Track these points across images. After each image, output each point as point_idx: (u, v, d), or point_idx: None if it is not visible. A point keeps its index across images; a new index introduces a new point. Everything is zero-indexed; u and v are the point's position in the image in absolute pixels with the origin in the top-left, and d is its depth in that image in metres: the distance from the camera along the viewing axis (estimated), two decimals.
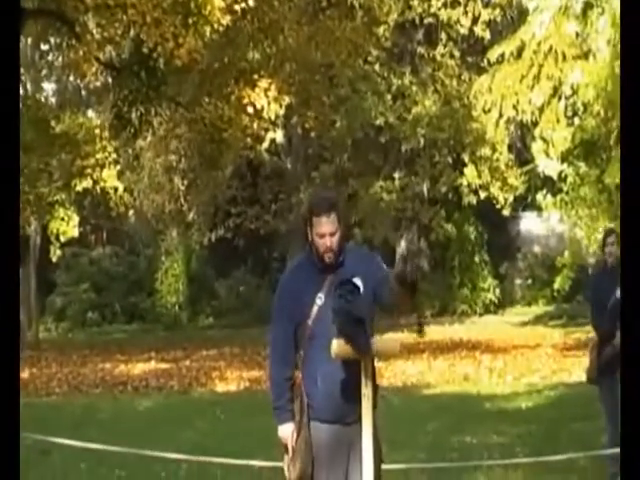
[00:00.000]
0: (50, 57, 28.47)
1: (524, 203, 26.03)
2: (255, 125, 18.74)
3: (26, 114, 18.97)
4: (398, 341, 5.27)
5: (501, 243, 32.76)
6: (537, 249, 33.51)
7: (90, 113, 30.26)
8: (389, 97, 26.83)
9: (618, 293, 7.13)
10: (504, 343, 21.78)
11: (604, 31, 10.93)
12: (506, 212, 26.63)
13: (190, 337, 28.22)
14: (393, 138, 27.39)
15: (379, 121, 26.40)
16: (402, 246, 29.67)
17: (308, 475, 5.11)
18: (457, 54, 27.52)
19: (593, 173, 14.69)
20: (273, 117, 18.96)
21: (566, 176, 14.97)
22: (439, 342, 22.60)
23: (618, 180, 10.79)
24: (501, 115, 11.85)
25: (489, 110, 11.96)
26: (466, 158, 26.39)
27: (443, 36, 27.43)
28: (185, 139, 23.53)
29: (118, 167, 23.09)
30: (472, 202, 26.79)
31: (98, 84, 24.71)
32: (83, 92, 31.86)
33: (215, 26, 16.18)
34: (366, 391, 4.97)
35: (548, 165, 13.09)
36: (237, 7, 16.57)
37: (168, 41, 15.93)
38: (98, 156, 21.40)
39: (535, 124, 12.08)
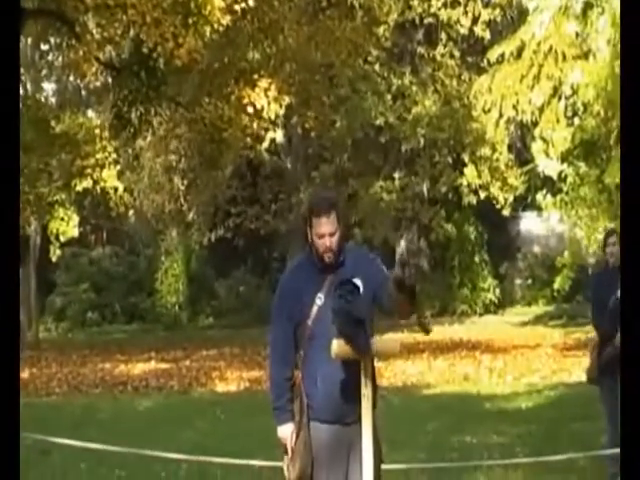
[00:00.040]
0: (50, 57, 28.48)
1: (524, 203, 25.99)
2: (255, 125, 18.74)
3: (26, 114, 18.98)
4: (398, 341, 5.25)
5: (501, 243, 32.74)
6: (537, 249, 33.49)
7: (90, 113, 30.25)
8: (389, 97, 26.86)
9: (619, 293, 7.13)
10: (504, 343, 21.75)
11: (604, 31, 10.94)
12: (506, 212, 26.66)
13: (190, 337, 28.19)
14: (393, 138, 27.41)
15: (379, 121, 26.43)
16: (402, 246, 29.66)
17: (308, 475, 5.10)
18: (457, 54, 27.55)
19: (593, 173, 14.66)
20: (273, 117, 18.96)
21: (566, 176, 14.95)
22: (439, 342, 22.56)
23: (618, 180, 10.79)
24: (501, 115, 11.87)
25: (489, 110, 11.97)
26: (466, 158, 26.42)
27: (443, 36, 27.45)
28: (185, 139, 23.52)
29: (118, 167, 23.05)
30: (472, 202, 26.84)
31: (98, 84, 24.71)
32: (83, 92, 31.85)
33: (215, 26, 16.18)
34: (366, 391, 4.96)
35: (548, 165, 13.10)
36: (237, 7, 16.58)
37: (168, 41, 15.94)
38: (98, 156, 21.38)
39: (535, 124, 12.09)
